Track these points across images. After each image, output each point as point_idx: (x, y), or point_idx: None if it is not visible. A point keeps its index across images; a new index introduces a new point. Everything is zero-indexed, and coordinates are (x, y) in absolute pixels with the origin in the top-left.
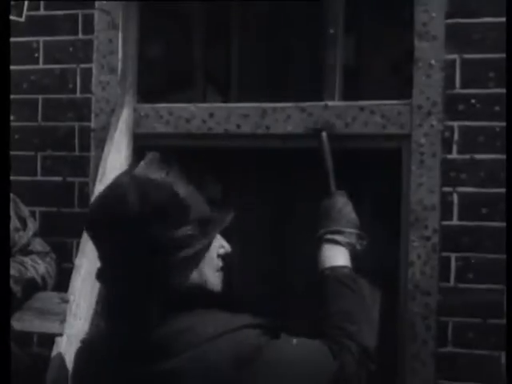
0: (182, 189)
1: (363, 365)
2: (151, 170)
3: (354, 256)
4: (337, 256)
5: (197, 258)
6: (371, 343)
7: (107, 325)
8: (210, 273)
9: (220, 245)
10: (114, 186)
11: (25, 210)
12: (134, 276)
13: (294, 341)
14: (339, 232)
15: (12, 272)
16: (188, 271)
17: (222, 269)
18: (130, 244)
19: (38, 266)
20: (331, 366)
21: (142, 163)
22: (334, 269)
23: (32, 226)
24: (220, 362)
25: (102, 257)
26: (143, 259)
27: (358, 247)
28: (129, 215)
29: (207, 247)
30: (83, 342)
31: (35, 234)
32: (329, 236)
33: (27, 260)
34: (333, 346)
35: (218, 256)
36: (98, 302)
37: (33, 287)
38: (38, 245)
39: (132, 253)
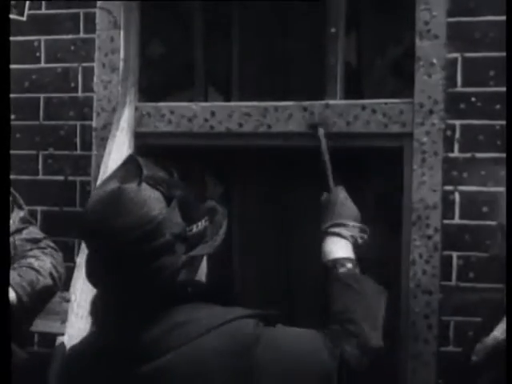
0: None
1: (361, 359)
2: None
3: (356, 249)
4: (340, 248)
5: (202, 256)
6: (372, 341)
7: (101, 327)
8: (205, 268)
9: None
10: (109, 195)
11: (16, 200)
12: (134, 276)
13: (292, 329)
14: (341, 225)
15: (24, 283)
16: (195, 268)
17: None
18: (133, 248)
19: (44, 265)
20: (330, 355)
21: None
22: (336, 261)
23: (17, 211)
24: (218, 352)
25: (97, 260)
26: (148, 260)
27: (360, 240)
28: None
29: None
30: (72, 349)
31: (26, 221)
32: (331, 229)
33: (32, 261)
34: (332, 337)
35: None
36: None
37: (46, 295)
38: (34, 233)
39: (135, 255)
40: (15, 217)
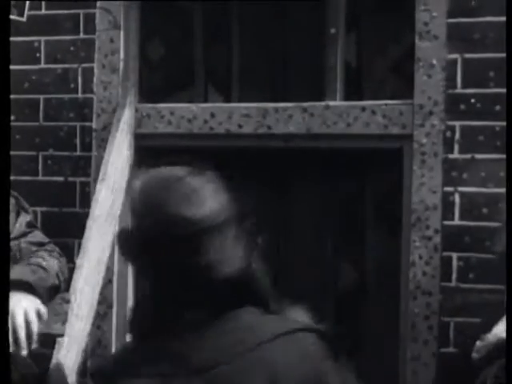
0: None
1: None
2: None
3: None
4: None
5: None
6: None
7: (147, 334)
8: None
9: None
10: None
11: (21, 204)
12: (191, 271)
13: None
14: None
15: (32, 279)
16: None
17: None
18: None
19: (51, 265)
20: None
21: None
22: None
23: (24, 215)
24: (287, 360)
25: (153, 263)
26: (206, 255)
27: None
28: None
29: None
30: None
31: (32, 226)
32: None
33: (40, 261)
34: None
35: None
36: (99, 303)
37: (54, 292)
38: (39, 237)
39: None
40: (22, 220)
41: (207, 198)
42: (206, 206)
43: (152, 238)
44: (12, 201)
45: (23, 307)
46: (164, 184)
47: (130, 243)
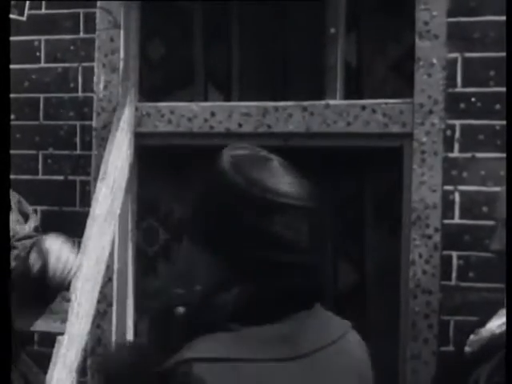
0: None
1: None
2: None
3: None
4: None
5: None
6: None
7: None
8: None
9: None
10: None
11: (28, 208)
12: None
13: None
14: None
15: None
16: None
17: None
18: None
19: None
20: None
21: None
22: None
23: (34, 220)
24: (362, 350)
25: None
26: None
27: None
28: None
29: None
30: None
31: (37, 230)
32: None
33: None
34: None
35: None
36: (99, 301)
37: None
38: None
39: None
40: (31, 224)
41: (296, 180)
42: (296, 187)
43: (249, 203)
44: (14, 200)
45: (60, 242)
46: (255, 161)
47: (215, 210)
